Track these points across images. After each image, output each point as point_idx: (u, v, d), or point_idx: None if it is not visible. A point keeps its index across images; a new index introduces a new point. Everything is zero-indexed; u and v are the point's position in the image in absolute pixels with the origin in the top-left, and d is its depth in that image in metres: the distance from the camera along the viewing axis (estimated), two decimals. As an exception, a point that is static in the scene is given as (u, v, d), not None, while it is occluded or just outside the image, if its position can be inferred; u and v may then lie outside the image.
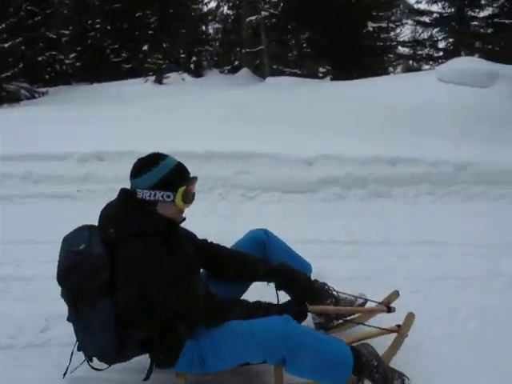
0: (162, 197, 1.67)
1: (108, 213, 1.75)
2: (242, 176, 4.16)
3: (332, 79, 13.32)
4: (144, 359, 1.76)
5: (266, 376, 1.82)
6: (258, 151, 4.45)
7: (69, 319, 1.71)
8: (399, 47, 17.42)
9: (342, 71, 13.23)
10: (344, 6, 13.24)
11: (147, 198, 1.68)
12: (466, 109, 7.58)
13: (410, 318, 1.93)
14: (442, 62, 11.76)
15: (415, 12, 15.79)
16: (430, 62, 15.95)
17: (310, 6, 13.30)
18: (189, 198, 1.73)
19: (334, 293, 2.06)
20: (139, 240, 1.63)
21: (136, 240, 1.63)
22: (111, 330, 1.63)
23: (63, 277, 1.61)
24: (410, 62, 17.50)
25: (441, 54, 15.88)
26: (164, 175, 1.67)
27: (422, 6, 15.50)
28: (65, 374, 1.79)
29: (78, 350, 1.73)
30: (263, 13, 14.00)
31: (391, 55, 17.30)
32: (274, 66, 14.41)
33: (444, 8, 15.21)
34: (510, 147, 5.40)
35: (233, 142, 4.68)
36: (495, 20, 14.15)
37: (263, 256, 2.06)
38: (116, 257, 1.64)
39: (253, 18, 14.21)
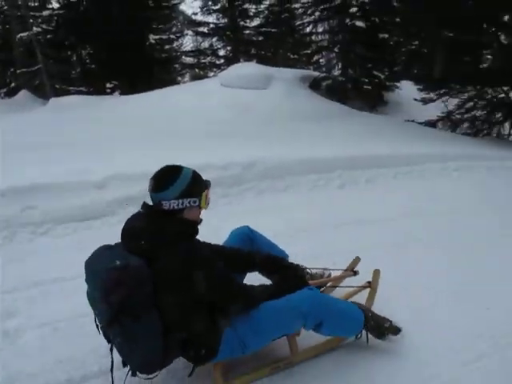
0: (189, 203, 1.80)
1: (135, 226, 1.79)
2: (27, 212, 3.72)
3: (121, 94, 13.16)
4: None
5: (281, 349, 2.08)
6: (40, 181, 4.03)
7: (107, 337, 1.78)
8: (184, 57, 18.12)
9: (131, 85, 13.21)
10: (122, 20, 13.16)
11: (175, 207, 1.77)
12: (248, 109, 8.37)
13: (377, 273, 2.39)
14: (223, 69, 12.69)
15: (193, 23, 16.71)
16: (214, 69, 17.03)
17: (87, 21, 12.86)
18: (208, 201, 1.91)
19: (308, 270, 2.49)
20: (182, 245, 1.72)
21: (177, 246, 1.71)
22: (158, 338, 1.69)
23: (110, 293, 1.59)
24: (196, 70, 18.38)
25: (222, 61, 17.10)
26: (188, 184, 1.80)
27: (199, 18, 16.50)
28: None
29: (124, 365, 1.77)
30: (35, 28, 12.98)
31: (177, 65, 17.91)
32: (57, 86, 13.51)
33: (218, 19, 16.44)
34: (292, 143, 6.14)
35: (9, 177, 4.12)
36: (263, 29, 15.91)
37: (252, 249, 2.29)
38: (155, 267, 1.68)
39: (24, 34, 13.06)
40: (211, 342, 1.81)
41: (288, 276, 2.11)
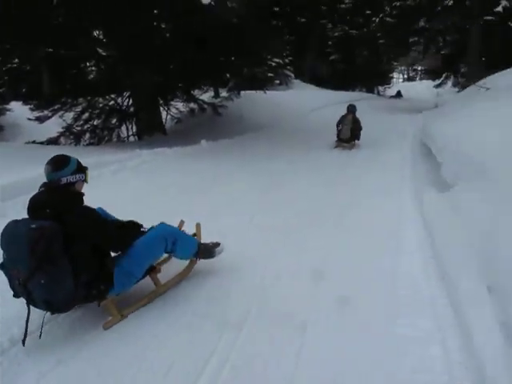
0: (80, 178, 2.60)
1: (40, 200, 2.45)
2: None
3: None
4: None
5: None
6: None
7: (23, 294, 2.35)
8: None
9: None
10: None
11: (71, 180, 2.54)
12: None
13: (199, 226, 3.40)
14: None
15: None
16: None
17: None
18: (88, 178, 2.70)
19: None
20: (79, 208, 2.51)
21: (75, 209, 2.47)
22: (71, 279, 2.37)
23: (35, 246, 2.21)
24: None
25: None
26: (77, 164, 2.61)
27: None
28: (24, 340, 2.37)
29: (35, 306, 2.38)
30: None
31: None
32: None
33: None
34: None
35: None
36: None
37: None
38: (65, 224, 2.34)
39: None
40: (107, 277, 2.58)
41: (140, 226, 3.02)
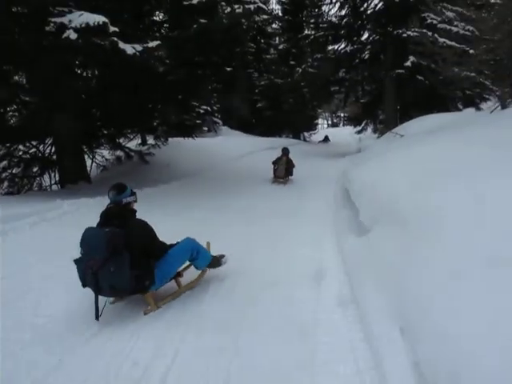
0: (133, 199, 3.69)
1: (109, 214, 3.53)
2: None
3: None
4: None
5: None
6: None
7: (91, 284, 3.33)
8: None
9: None
10: None
11: (128, 200, 3.61)
12: None
13: (209, 244, 4.47)
14: None
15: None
16: None
17: None
18: None
19: None
20: (134, 219, 3.58)
21: (134, 219, 3.58)
22: (129, 270, 3.28)
23: (109, 242, 3.22)
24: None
25: None
26: (130, 189, 3.69)
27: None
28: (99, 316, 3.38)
29: (100, 292, 3.34)
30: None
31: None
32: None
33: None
34: None
35: None
36: None
37: None
38: (125, 231, 3.33)
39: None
40: (151, 276, 3.51)
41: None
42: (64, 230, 5.63)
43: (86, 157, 10.97)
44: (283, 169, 10.69)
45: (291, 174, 10.85)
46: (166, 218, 6.44)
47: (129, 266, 3.27)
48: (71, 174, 9.90)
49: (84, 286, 3.43)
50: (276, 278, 4.14)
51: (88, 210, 6.82)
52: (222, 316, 3.45)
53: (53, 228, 5.93)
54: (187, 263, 4.09)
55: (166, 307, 3.66)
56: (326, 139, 31.65)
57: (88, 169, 10.99)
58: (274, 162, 10.92)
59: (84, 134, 10.15)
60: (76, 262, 3.44)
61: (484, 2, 12.21)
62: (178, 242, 3.92)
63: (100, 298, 3.36)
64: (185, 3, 8.53)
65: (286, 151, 11.23)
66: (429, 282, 2.72)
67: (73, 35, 6.45)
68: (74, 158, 10.01)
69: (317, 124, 41.92)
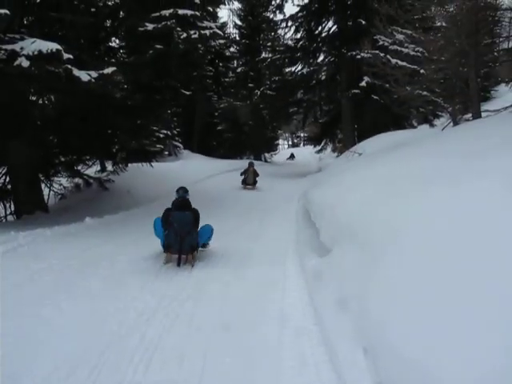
0: (188, 195, 6.06)
1: (182, 204, 5.67)
2: None
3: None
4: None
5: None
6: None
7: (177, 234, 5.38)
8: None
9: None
10: None
11: (188, 196, 5.96)
12: None
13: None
14: None
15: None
16: None
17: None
18: None
19: None
20: (194, 207, 5.80)
21: (193, 207, 5.77)
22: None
23: (195, 216, 5.68)
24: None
25: None
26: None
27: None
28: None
29: (181, 252, 5.38)
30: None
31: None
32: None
33: None
34: None
35: None
36: None
37: None
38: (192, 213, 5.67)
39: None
40: (197, 242, 5.59)
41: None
42: (17, 264, 5.40)
43: (42, 185, 10.67)
44: (252, 177, 14.34)
45: (256, 183, 14.44)
46: (125, 247, 6.33)
47: (195, 232, 5.62)
48: (27, 204, 9.57)
49: (165, 251, 5.51)
50: (238, 301, 4.11)
51: (45, 241, 6.62)
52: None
53: (6, 261, 5.68)
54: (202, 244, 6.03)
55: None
56: (292, 156, 36.39)
57: (45, 198, 10.67)
58: (243, 173, 14.56)
59: (40, 161, 9.86)
60: (167, 235, 5.45)
61: (431, 25, 12.86)
62: (206, 224, 5.94)
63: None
64: (140, 29, 8.55)
65: (251, 164, 15.01)
66: (387, 301, 2.76)
67: (25, 63, 6.33)
68: (30, 186, 9.71)
69: (277, 145, 42.44)
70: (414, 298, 2.54)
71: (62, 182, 11.86)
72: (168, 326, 3.60)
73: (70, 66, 6.69)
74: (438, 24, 12.16)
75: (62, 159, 11.00)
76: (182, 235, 5.28)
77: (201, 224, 5.79)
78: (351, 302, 3.20)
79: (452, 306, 2.24)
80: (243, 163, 23.67)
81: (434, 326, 2.23)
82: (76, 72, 6.79)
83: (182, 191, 5.92)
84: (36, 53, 6.36)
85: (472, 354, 1.91)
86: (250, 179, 14.25)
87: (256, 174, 14.47)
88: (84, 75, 6.89)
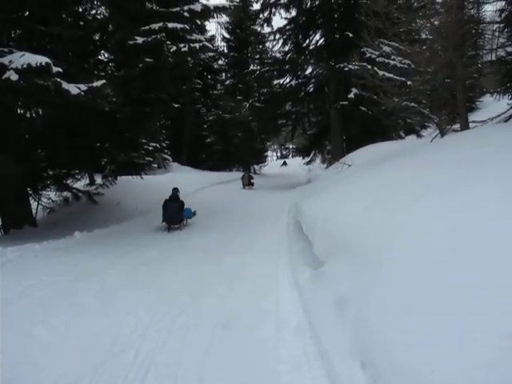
0: (178, 192, 10.44)
1: (173, 197, 9.87)
2: None
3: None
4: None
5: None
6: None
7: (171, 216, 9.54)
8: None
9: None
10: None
11: (178, 193, 10.19)
12: None
13: (196, 213, 10.77)
14: None
15: None
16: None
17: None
18: None
19: None
20: (181, 200, 10.03)
21: (180, 200, 9.96)
22: (180, 213, 9.70)
23: (180, 206, 9.67)
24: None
25: None
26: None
27: None
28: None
29: (171, 223, 9.54)
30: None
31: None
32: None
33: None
34: None
35: None
36: None
37: None
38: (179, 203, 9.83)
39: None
40: (181, 217, 9.67)
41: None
42: (5, 280, 5.30)
43: (31, 199, 10.53)
44: (247, 181, 19.94)
45: (253, 185, 20.04)
46: (115, 261, 6.28)
47: (181, 212, 9.52)
48: (15, 219, 9.45)
49: (163, 221, 9.38)
50: (232, 316, 4.06)
51: (34, 256, 6.53)
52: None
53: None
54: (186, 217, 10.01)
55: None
56: (285, 163, 44.88)
57: (33, 212, 10.54)
58: (242, 178, 20.38)
59: (28, 175, 9.75)
60: (163, 214, 9.36)
61: (417, 37, 13.06)
62: (187, 208, 9.87)
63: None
64: (130, 43, 8.55)
65: (246, 171, 22.69)
66: (384, 315, 2.74)
67: (14, 76, 6.27)
68: (18, 201, 9.58)
69: (266, 156, 42.56)
70: (411, 309, 2.52)
71: (51, 195, 11.73)
72: (161, 342, 3.55)
73: (59, 80, 6.64)
74: (424, 36, 12.36)
75: (51, 173, 10.88)
76: (172, 215, 9.43)
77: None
78: (347, 314, 3.17)
79: (448, 317, 2.24)
80: (233, 175, 23.97)
81: (431, 340, 2.22)
82: (65, 85, 6.74)
83: (175, 190, 10.10)
84: (25, 66, 6.30)
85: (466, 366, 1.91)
86: (245, 182, 19.97)
87: (250, 177, 20.24)
88: (73, 88, 6.85)
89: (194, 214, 10.35)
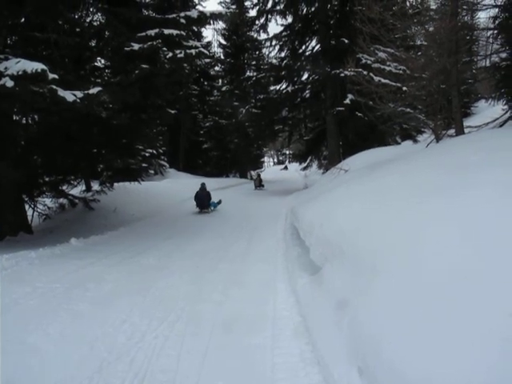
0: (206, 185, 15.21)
1: (203, 188, 13.88)
2: None
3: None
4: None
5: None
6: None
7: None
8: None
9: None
10: None
11: (206, 186, 14.32)
12: None
13: (220, 202, 15.15)
14: None
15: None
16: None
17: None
18: None
19: None
20: (208, 191, 14.32)
21: (208, 191, 14.11)
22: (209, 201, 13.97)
23: (209, 195, 13.74)
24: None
25: None
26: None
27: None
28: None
29: (202, 207, 13.66)
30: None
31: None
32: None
33: None
34: None
35: None
36: None
37: None
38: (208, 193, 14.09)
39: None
40: (209, 204, 13.67)
41: None
42: (2, 287, 5.24)
43: (26, 206, 10.49)
44: (258, 182, 23.87)
45: (263, 186, 23.94)
46: (111, 268, 6.23)
47: (208, 200, 13.49)
48: (10, 225, 9.40)
49: (197, 206, 13.44)
50: (230, 322, 4.03)
51: (29, 264, 6.48)
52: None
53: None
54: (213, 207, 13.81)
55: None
56: (286, 167, 47.78)
57: (29, 218, 10.50)
58: (254, 180, 24.86)
59: (24, 182, 9.69)
60: (196, 201, 13.48)
61: (412, 44, 13.13)
62: (213, 201, 13.78)
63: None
64: (126, 49, 8.56)
65: (258, 174, 26.83)
66: (380, 320, 2.73)
67: (9, 83, 6.27)
68: (14, 208, 9.54)
69: (263, 162, 42.61)
70: (407, 315, 2.51)
71: (47, 202, 11.69)
72: (158, 348, 3.53)
73: (54, 87, 6.64)
74: (419, 43, 12.42)
75: (47, 179, 10.85)
76: (202, 202, 13.24)
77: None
78: (344, 320, 3.16)
79: (445, 322, 2.23)
80: (229, 181, 24.06)
81: (429, 346, 2.20)
82: (61, 92, 6.74)
83: (203, 184, 13.82)
84: (21, 73, 6.30)
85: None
86: (257, 183, 23.92)
87: (261, 180, 24.33)
88: (69, 95, 6.85)
89: (219, 202, 14.40)
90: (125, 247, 7.84)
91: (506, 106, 11.38)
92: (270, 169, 48.12)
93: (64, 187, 11.84)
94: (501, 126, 10.01)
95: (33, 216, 10.96)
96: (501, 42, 10.99)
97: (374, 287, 3.06)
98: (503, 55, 10.82)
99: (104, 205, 12.19)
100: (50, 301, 4.71)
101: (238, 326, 3.94)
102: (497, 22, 10.64)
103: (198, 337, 3.74)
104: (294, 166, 39.29)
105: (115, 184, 12.93)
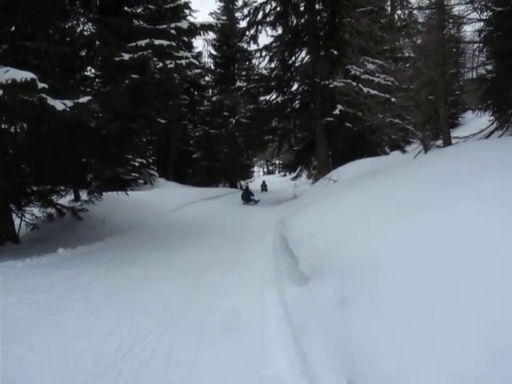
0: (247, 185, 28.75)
1: (247, 188, 23.86)
2: None
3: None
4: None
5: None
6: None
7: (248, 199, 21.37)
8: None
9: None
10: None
11: (247, 186, 27.25)
12: None
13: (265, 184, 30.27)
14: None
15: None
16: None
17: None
18: None
19: None
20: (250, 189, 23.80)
21: (249, 189, 23.64)
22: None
23: (251, 192, 22.30)
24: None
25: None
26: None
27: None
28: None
29: (246, 201, 21.20)
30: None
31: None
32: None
33: None
34: None
35: None
36: None
37: None
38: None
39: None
40: (251, 200, 21.06)
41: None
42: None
43: (13, 215, 10.36)
44: (264, 187, 30.65)
45: (267, 190, 29.91)
46: (99, 278, 6.15)
47: (250, 196, 21.09)
48: (-3, 235, 9.29)
49: (244, 201, 20.91)
50: (218, 331, 4.00)
51: (15, 274, 6.37)
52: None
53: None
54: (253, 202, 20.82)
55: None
56: (265, 186, 40.42)
57: (16, 228, 10.36)
58: (262, 186, 31.20)
59: (12, 191, 9.59)
60: (242, 197, 21.13)
61: (400, 55, 13.29)
62: (253, 198, 21.09)
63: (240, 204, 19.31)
64: (116, 59, 8.55)
65: (246, 186, 26.30)
66: (370, 332, 2.72)
67: (-2, 91, 6.22)
68: (0, 217, 9.43)
69: (253, 172, 42.68)
70: (397, 327, 2.52)
71: (34, 211, 11.54)
72: (145, 361, 3.48)
73: (44, 95, 6.59)
74: (407, 55, 12.58)
75: (35, 188, 10.74)
76: (246, 198, 20.77)
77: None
78: (333, 331, 3.15)
79: (437, 336, 2.24)
80: (219, 191, 24.16)
81: (418, 359, 2.21)
82: (50, 101, 6.69)
83: (246, 186, 24.54)
84: (10, 82, 6.25)
85: None
86: (264, 188, 30.06)
87: (266, 185, 31.25)
88: (59, 104, 6.80)
89: (258, 201, 20.75)
90: (113, 257, 7.76)
91: (492, 117, 11.53)
92: (259, 178, 48.08)
93: (52, 197, 11.73)
94: (487, 137, 10.14)
95: (20, 225, 10.80)
96: (486, 55, 11.19)
97: (362, 299, 3.06)
98: (489, 67, 11.00)
99: (92, 215, 12.07)
100: (36, 312, 4.63)
101: (227, 335, 3.89)
102: (482, 35, 10.84)
103: (186, 349, 3.70)
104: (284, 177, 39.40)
105: (104, 194, 12.84)
